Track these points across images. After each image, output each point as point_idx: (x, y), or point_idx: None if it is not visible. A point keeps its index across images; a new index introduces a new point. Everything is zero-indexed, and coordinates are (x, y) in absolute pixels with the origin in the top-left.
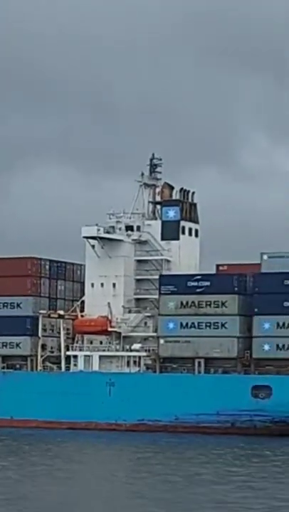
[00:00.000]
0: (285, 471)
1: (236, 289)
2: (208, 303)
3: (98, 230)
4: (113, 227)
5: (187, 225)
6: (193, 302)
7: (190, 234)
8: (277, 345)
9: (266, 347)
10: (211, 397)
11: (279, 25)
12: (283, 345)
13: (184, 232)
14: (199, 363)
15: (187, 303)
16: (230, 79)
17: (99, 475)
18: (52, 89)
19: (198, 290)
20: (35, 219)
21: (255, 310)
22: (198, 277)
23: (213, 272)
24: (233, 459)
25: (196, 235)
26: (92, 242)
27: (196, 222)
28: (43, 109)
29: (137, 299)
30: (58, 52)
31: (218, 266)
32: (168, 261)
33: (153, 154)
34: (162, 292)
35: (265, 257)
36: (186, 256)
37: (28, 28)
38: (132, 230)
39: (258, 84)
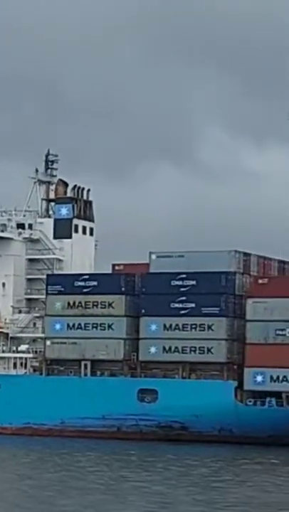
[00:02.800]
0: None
1: (123, 289)
2: (95, 303)
3: None
4: (4, 224)
5: (81, 223)
6: (80, 303)
7: (84, 232)
8: (164, 348)
9: (153, 349)
10: (96, 401)
11: (233, 17)
12: (170, 348)
13: (77, 231)
14: (86, 365)
15: (74, 303)
16: (184, 73)
17: None
18: None
19: (85, 290)
20: None
21: (142, 311)
22: (86, 277)
23: (109, 271)
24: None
25: (91, 234)
26: None
27: (91, 220)
28: None
29: (28, 299)
30: None
31: (114, 265)
32: (60, 260)
33: (48, 150)
34: (49, 292)
35: (153, 256)
36: (79, 255)
37: None
38: (24, 228)
39: (212, 78)
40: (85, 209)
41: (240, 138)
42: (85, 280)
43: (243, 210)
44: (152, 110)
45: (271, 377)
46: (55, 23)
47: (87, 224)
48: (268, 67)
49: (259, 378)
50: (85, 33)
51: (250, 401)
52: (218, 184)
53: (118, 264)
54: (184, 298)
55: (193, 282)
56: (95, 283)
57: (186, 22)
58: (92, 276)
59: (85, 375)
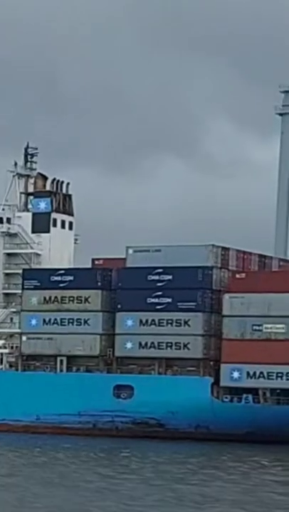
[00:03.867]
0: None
1: (100, 284)
2: (72, 298)
3: None
4: None
5: (59, 217)
6: (56, 298)
7: (63, 226)
8: (140, 344)
9: (129, 345)
10: (72, 397)
11: (232, 7)
12: (146, 344)
13: (55, 225)
14: (62, 361)
15: (50, 298)
16: (183, 63)
17: None
18: None
19: (61, 285)
20: None
21: (118, 306)
22: (62, 272)
23: (89, 266)
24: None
25: (71, 228)
26: None
27: (71, 214)
28: None
29: (6, 294)
30: None
31: (93, 260)
32: (38, 254)
33: (28, 143)
34: (25, 287)
35: (130, 251)
36: (57, 249)
37: None
38: (2, 222)
39: (212, 68)
40: (64, 203)
41: (245, 129)
42: (61, 275)
43: (251, 202)
44: (152, 101)
45: (248, 374)
46: (53, 13)
47: (67, 218)
48: (269, 57)
49: (236, 374)
50: (82, 22)
51: (226, 397)
52: (225, 177)
53: (98, 259)
54: (160, 293)
55: (170, 277)
56: (71, 278)
57: (185, 10)
58: (68, 271)
59: (61, 370)
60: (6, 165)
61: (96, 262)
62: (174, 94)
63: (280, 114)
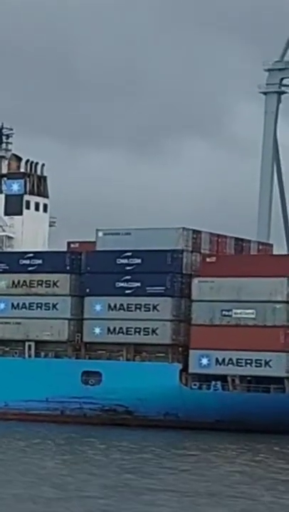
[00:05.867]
0: None
1: (68, 268)
2: (40, 282)
3: None
4: None
5: (33, 199)
6: (24, 281)
7: (37, 209)
8: (109, 329)
9: (97, 330)
10: (40, 383)
11: None
12: (114, 329)
13: (28, 207)
14: (30, 346)
15: (19, 282)
16: (207, 42)
17: None
18: None
19: (30, 269)
20: None
21: (87, 290)
22: (30, 255)
23: (64, 249)
24: None
25: (45, 210)
26: None
27: (46, 196)
28: None
29: None
30: None
31: (69, 243)
32: (10, 237)
33: (2, 124)
34: None
35: (100, 233)
36: (30, 232)
37: None
38: None
39: (233, 46)
40: (38, 185)
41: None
42: (30, 258)
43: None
44: (173, 81)
45: (217, 360)
46: None
47: (41, 200)
48: None
49: (204, 361)
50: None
51: (195, 384)
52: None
53: (73, 242)
54: (129, 277)
55: (139, 261)
56: (40, 261)
57: None
58: (37, 255)
59: (30, 356)
60: None
61: (72, 246)
62: (198, 72)
63: (264, 93)
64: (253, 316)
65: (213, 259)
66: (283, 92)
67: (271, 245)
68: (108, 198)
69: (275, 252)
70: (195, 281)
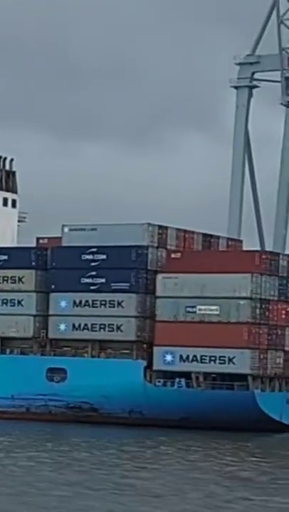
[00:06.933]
0: None
1: (34, 263)
2: (5, 278)
3: None
4: None
5: (1, 194)
6: None
7: (5, 204)
8: (74, 325)
9: (62, 327)
10: (5, 380)
11: None
12: (79, 325)
13: None
14: None
15: None
16: (204, 33)
17: None
18: None
19: None
20: None
21: (52, 286)
22: None
23: (33, 245)
24: None
25: (14, 206)
26: None
27: (14, 191)
28: None
29: None
30: None
31: (38, 239)
32: None
33: None
34: None
35: (66, 229)
36: None
37: None
38: None
39: (225, 35)
40: (6, 180)
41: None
42: None
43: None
44: (172, 72)
45: (181, 357)
46: None
47: (9, 195)
48: None
49: (168, 358)
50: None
51: (159, 381)
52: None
53: (42, 238)
54: (94, 273)
55: (104, 257)
56: (5, 257)
57: None
58: (2, 250)
59: None
60: None
61: (40, 241)
62: (195, 63)
63: (235, 88)
64: (217, 312)
65: (178, 255)
66: (255, 86)
67: (241, 241)
68: (102, 192)
69: (245, 248)
70: (159, 277)
